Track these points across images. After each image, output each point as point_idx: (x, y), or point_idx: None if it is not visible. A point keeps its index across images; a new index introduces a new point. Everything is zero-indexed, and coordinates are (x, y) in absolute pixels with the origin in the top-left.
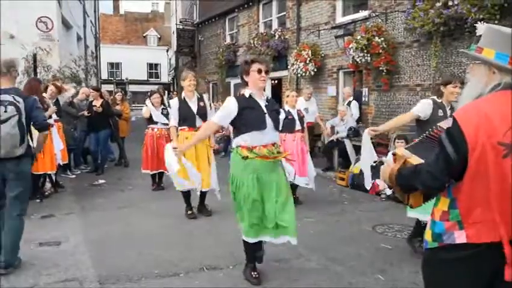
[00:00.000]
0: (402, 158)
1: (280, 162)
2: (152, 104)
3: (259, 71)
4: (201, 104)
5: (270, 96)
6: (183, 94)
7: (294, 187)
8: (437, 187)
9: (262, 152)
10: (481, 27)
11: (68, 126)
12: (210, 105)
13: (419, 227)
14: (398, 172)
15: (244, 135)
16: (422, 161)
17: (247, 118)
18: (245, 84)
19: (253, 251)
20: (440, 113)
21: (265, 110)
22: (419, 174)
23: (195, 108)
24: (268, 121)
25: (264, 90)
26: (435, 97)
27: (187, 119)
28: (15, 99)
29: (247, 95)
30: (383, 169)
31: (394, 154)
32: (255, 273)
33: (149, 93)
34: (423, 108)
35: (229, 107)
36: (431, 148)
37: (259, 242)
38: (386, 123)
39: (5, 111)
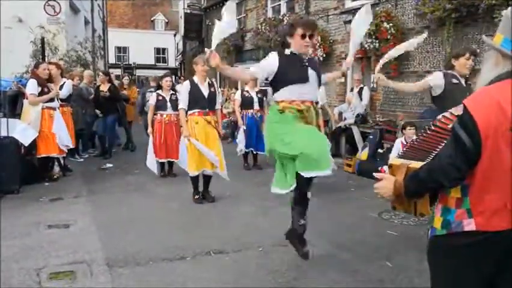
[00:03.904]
0: (403, 167)
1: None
2: (162, 88)
3: (303, 36)
4: (212, 89)
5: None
6: (195, 78)
7: None
8: (462, 178)
9: (299, 107)
10: (503, 13)
11: (81, 109)
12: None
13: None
14: (408, 182)
15: (283, 90)
16: (423, 163)
17: (288, 71)
18: (287, 45)
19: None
20: (455, 80)
21: (307, 64)
22: (440, 168)
23: (206, 93)
24: (311, 73)
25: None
26: (445, 70)
27: (197, 102)
28: None
29: (287, 53)
30: (382, 185)
31: (390, 166)
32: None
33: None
34: (433, 78)
35: (271, 58)
36: (426, 149)
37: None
38: (395, 83)
39: None
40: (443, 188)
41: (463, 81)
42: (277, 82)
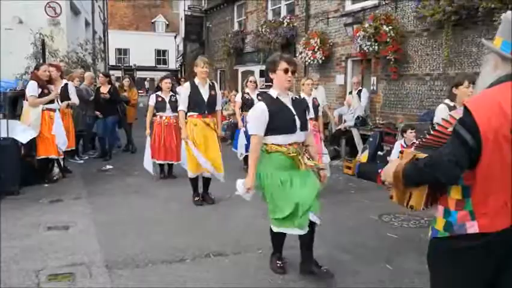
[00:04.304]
0: (411, 154)
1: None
2: (161, 89)
3: (286, 71)
4: (212, 92)
5: (293, 94)
6: (196, 80)
7: None
8: (459, 175)
9: (288, 150)
10: (503, 16)
11: (81, 111)
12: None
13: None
14: (408, 166)
15: (271, 137)
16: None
17: (278, 122)
18: (270, 81)
19: (279, 240)
20: None
21: (294, 112)
22: (439, 164)
23: (206, 96)
24: (298, 124)
25: (290, 90)
26: (447, 101)
27: (197, 105)
28: None
29: (274, 96)
30: (386, 168)
31: (401, 152)
32: (280, 262)
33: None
34: (440, 113)
35: (262, 115)
36: (434, 146)
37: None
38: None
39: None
40: (438, 184)
41: None
42: (267, 129)
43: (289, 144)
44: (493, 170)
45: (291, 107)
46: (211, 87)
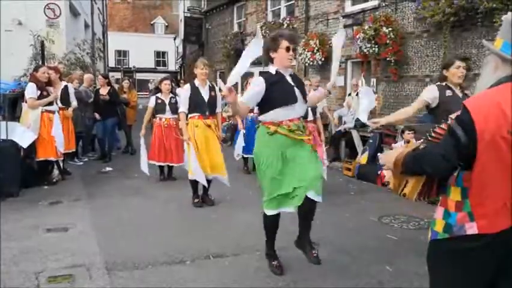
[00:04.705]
0: (414, 145)
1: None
2: (161, 91)
3: (288, 49)
4: (212, 93)
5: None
6: (196, 81)
7: None
8: (446, 169)
9: (289, 127)
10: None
11: (80, 112)
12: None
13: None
14: (409, 154)
15: (270, 113)
16: None
17: (277, 94)
18: (270, 60)
19: (273, 231)
20: (448, 93)
21: (292, 83)
22: (428, 155)
23: (206, 97)
24: (298, 93)
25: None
26: (438, 83)
27: (197, 106)
28: None
29: (273, 72)
30: (388, 152)
31: (408, 141)
32: (276, 262)
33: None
34: (428, 92)
35: (258, 86)
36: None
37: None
38: (390, 115)
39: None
40: (432, 177)
41: (457, 91)
42: (264, 104)
43: (290, 120)
44: (489, 170)
45: (290, 80)
46: (211, 89)
